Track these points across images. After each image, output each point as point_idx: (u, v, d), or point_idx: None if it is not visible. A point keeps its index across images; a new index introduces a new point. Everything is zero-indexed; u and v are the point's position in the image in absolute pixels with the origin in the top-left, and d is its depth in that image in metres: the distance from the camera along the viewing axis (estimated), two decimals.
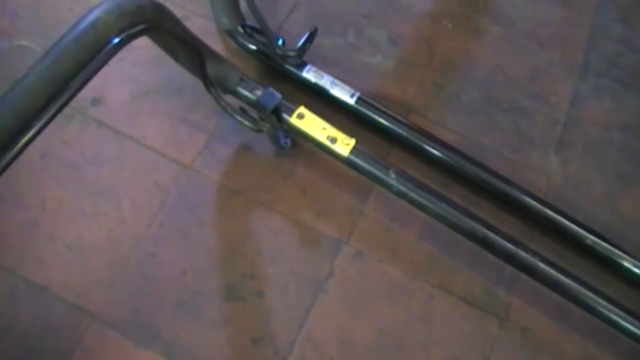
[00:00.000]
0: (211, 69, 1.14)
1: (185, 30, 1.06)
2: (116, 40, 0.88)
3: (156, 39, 1.06)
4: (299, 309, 1.13)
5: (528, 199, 1.19)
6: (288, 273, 1.15)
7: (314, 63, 1.28)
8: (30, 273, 1.13)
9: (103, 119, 1.26)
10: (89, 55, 0.87)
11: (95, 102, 1.27)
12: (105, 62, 0.88)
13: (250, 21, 1.29)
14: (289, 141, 1.22)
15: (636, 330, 1.05)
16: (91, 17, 0.88)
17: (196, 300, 1.13)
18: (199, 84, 1.15)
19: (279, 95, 1.14)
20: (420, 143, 1.23)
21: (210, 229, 1.20)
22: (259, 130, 1.18)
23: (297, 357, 1.09)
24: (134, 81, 1.31)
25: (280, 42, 1.26)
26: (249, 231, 1.20)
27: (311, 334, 1.11)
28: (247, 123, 1.19)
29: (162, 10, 0.99)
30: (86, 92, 1.24)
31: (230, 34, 1.31)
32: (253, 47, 1.30)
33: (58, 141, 1.23)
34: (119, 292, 1.13)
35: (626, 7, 1.47)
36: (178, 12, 1.03)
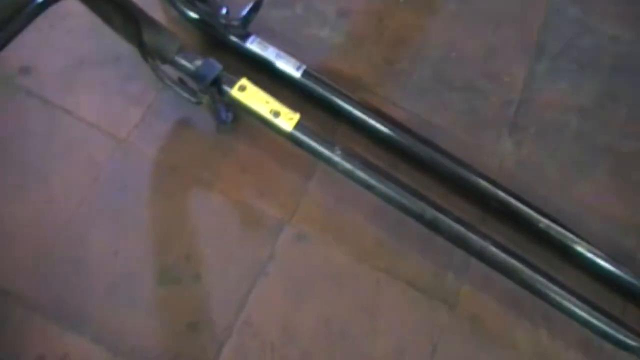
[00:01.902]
0: (148, 37, 1.07)
1: None
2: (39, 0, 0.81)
3: (89, 4, 0.99)
4: (238, 293, 1.07)
5: (480, 181, 1.15)
6: (227, 255, 1.10)
7: (259, 35, 1.21)
8: None
9: (32, 89, 1.19)
10: (5, 17, 0.80)
11: (25, 70, 1.19)
12: (26, 24, 0.81)
13: None
14: (230, 115, 1.16)
15: (589, 318, 1.02)
16: None
17: (128, 283, 1.07)
18: (136, 54, 1.09)
19: (219, 66, 1.08)
20: (369, 120, 1.18)
21: (145, 207, 1.13)
22: (198, 103, 1.12)
23: (236, 343, 1.04)
24: (67, 50, 1.23)
25: (224, 11, 1.19)
26: (187, 210, 1.14)
27: (251, 318, 1.06)
28: (185, 95, 1.12)
29: None
30: (14, 61, 1.19)
31: (171, 0, 1.23)
32: (195, 15, 1.23)
33: None
34: (45, 275, 1.06)
35: None
36: None
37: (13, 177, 1.12)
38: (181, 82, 1.13)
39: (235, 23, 1.18)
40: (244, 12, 1.17)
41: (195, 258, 1.09)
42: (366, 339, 1.06)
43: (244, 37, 1.20)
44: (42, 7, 0.82)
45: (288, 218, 1.13)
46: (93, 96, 1.19)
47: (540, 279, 1.03)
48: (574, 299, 1.03)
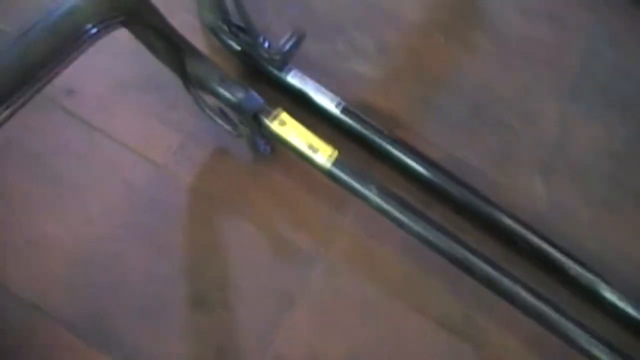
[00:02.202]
0: (192, 67, 1.09)
1: (166, 24, 1.01)
2: (93, 30, 0.84)
3: (135, 32, 1.02)
4: (267, 323, 1.08)
5: (511, 222, 1.15)
6: (258, 285, 1.10)
7: (299, 68, 1.22)
8: None
9: (76, 111, 1.21)
10: (62, 44, 0.83)
11: (70, 93, 1.22)
12: (79, 52, 0.84)
13: (236, 19, 1.24)
14: (268, 148, 1.17)
15: None
16: (68, 3, 0.84)
17: (160, 307, 1.07)
18: (179, 82, 1.11)
19: (261, 100, 1.10)
20: (405, 159, 1.19)
21: (180, 233, 1.14)
22: (238, 135, 1.13)
23: None
24: (112, 74, 1.25)
25: (265, 44, 1.21)
26: (220, 238, 1.15)
27: (278, 349, 1.06)
28: (226, 126, 1.14)
29: (143, 2, 0.94)
30: (61, 82, 1.19)
31: (214, 31, 1.26)
32: (237, 46, 1.25)
33: (26, 130, 1.17)
34: (79, 293, 1.07)
35: (619, 32, 1.44)
36: (163, 6, 0.99)
37: (52, 196, 1.13)
38: (222, 113, 1.15)
39: (277, 57, 1.20)
40: (287, 46, 1.19)
41: (226, 286, 1.10)
42: None
43: (285, 70, 1.22)
44: (96, 37, 0.85)
45: (320, 251, 1.14)
46: (133, 121, 1.21)
47: (569, 324, 1.03)
48: (601, 346, 1.02)
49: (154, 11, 0.97)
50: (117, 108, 1.22)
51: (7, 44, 0.79)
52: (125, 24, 0.90)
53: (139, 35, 1.03)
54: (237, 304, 1.09)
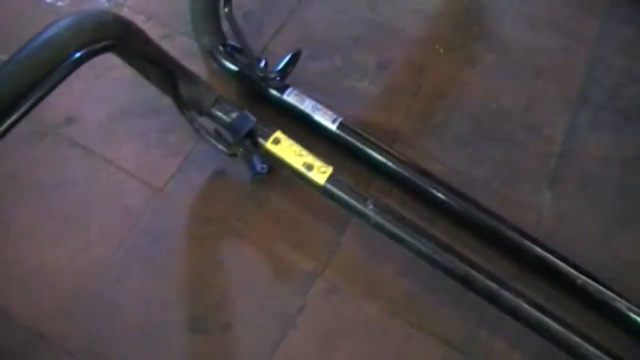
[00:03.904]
0: (185, 90, 1.09)
1: (156, 48, 1.02)
2: (76, 55, 0.84)
3: (123, 56, 1.02)
4: (267, 345, 1.07)
5: (517, 236, 1.13)
6: (258, 306, 1.10)
7: (298, 86, 1.22)
8: None
9: (76, 139, 1.22)
10: (44, 72, 0.83)
11: (69, 120, 1.23)
12: (63, 77, 0.85)
13: (233, 41, 1.24)
14: (265, 167, 1.17)
15: None
16: (49, 32, 0.86)
17: (160, 331, 1.07)
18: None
19: (253, 118, 1.10)
20: (405, 174, 1.17)
21: (179, 256, 1.15)
22: (233, 155, 1.13)
23: None
24: (111, 101, 1.26)
25: (262, 63, 1.21)
26: (219, 261, 1.15)
27: None
28: (220, 147, 1.14)
29: (128, 27, 0.95)
30: (60, 111, 1.23)
31: (211, 53, 1.26)
32: (234, 67, 1.25)
33: (28, 161, 1.19)
34: (80, 320, 1.08)
35: (627, 37, 1.40)
36: (160, 30, 1.01)
37: (53, 224, 1.15)
38: (217, 134, 1.14)
39: (273, 75, 1.20)
40: (282, 64, 1.19)
41: (226, 308, 1.10)
42: None
43: (282, 89, 1.21)
44: (79, 62, 0.85)
45: (320, 271, 1.12)
46: (133, 146, 1.22)
47: (576, 339, 1.00)
48: None
49: (141, 36, 0.97)
50: (117, 134, 1.24)
51: None
52: (109, 49, 0.90)
53: (127, 60, 1.03)
54: (237, 326, 1.08)
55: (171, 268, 1.13)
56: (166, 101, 1.14)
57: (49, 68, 0.83)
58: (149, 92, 1.17)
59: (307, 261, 1.13)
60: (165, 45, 1.04)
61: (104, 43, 0.88)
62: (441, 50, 1.36)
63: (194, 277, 1.13)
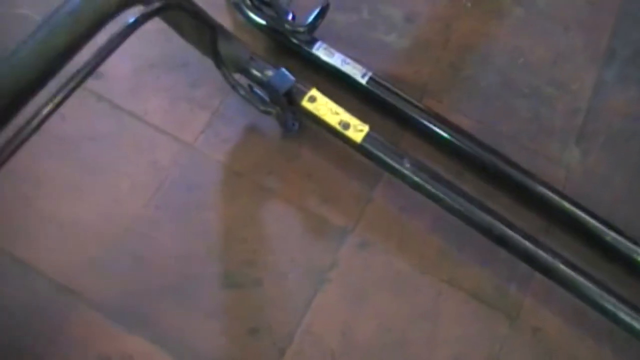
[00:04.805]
0: (222, 47, 1.07)
1: (197, 6, 1.00)
2: (131, 20, 0.83)
3: (169, 20, 1.00)
4: (300, 300, 1.08)
5: (545, 191, 1.13)
6: (289, 261, 1.10)
7: (325, 40, 1.21)
8: (20, 251, 1.09)
9: (103, 93, 1.22)
10: (87, 32, 0.82)
11: (96, 75, 1.20)
12: (119, 44, 0.84)
13: None
14: (297, 124, 1.16)
15: None
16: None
17: (191, 286, 1.08)
18: (203, 59, 1.10)
19: (292, 78, 1.08)
20: (434, 127, 1.17)
21: (210, 211, 1.15)
22: (268, 112, 1.13)
23: (296, 350, 1.05)
24: (137, 56, 1.25)
25: (290, 16, 1.20)
26: (250, 216, 1.15)
27: (311, 326, 1.06)
28: (256, 104, 1.13)
29: None
30: None
31: (238, 6, 1.25)
32: (261, 21, 1.23)
33: (55, 115, 1.16)
34: (109, 274, 1.09)
35: None
36: None
37: (83, 179, 1.15)
38: (251, 91, 1.14)
39: (301, 29, 1.18)
40: (310, 18, 1.18)
41: (257, 263, 1.10)
42: (425, 348, 1.06)
43: (310, 43, 1.20)
44: (134, 28, 0.84)
45: (351, 226, 1.13)
46: (161, 101, 1.22)
47: (608, 297, 1.00)
48: None
49: None
50: (144, 89, 1.23)
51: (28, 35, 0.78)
52: (164, 10, 0.88)
53: (170, 21, 1.02)
54: (269, 281, 1.09)
55: (201, 223, 1.13)
56: (193, 55, 1.12)
57: (95, 31, 0.82)
58: (175, 46, 1.15)
59: (338, 216, 1.14)
60: None
61: (158, 4, 0.86)
62: (468, 4, 1.35)
63: (225, 232, 1.13)
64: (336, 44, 1.21)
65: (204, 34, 1.02)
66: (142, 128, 1.19)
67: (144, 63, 1.24)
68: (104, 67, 1.19)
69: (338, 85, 1.18)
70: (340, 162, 1.17)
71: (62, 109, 1.15)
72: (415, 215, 1.14)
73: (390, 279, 1.10)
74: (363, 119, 1.09)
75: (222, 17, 1.25)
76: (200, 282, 1.09)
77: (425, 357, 1.06)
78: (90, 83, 1.17)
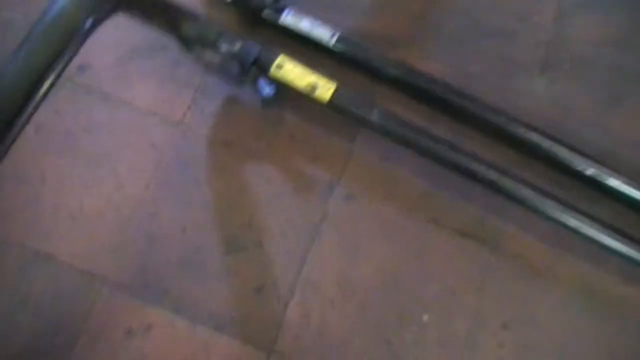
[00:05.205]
0: (189, 30, 1.13)
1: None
2: (88, 23, 0.91)
3: (130, 15, 1.06)
4: (298, 254, 1.16)
5: (514, 124, 1.18)
6: (284, 220, 1.18)
7: (295, 3, 1.26)
8: (37, 245, 1.17)
9: (91, 85, 1.28)
10: (60, 45, 0.89)
11: (82, 69, 1.28)
12: (78, 47, 0.93)
13: None
14: (272, 89, 1.20)
15: (627, 251, 1.08)
16: (56, 9, 0.91)
17: (199, 255, 1.17)
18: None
19: (257, 47, 1.14)
20: (405, 77, 1.22)
21: (206, 183, 1.22)
22: (240, 83, 1.19)
23: (299, 301, 1.14)
24: (118, 44, 1.31)
25: None
26: (244, 182, 1.22)
27: (311, 277, 1.15)
28: (228, 77, 1.19)
29: None
30: (73, 61, 1.27)
31: None
32: None
33: (50, 112, 1.24)
34: (124, 255, 1.17)
35: None
36: None
37: (85, 170, 1.22)
38: (222, 66, 1.19)
39: (268, 1, 1.24)
40: None
41: (256, 226, 1.18)
42: (418, 285, 1.14)
43: (279, 11, 1.25)
44: (91, 30, 0.91)
45: (336, 180, 1.20)
46: (147, 85, 1.28)
47: (577, 215, 1.09)
48: (613, 234, 1.08)
49: None
50: (130, 75, 1.29)
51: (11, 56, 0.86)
52: (117, 8, 0.95)
53: (134, 16, 1.08)
54: (268, 241, 1.17)
55: (201, 195, 1.21)
56: (169, 37, 1.19)
57: (64, 42, 0.89)
58: (153, 32, 1.21)
59: (323, 172, 1.21)
60: None
61: (111, 4, 0.93)
62: None
63: (223, 201, 1.21)
64: (306, 6, 1.26)
65: (168, 22, 1.08)
66: (133, 113, 1.26)
67: (126, 51, 1.30)
68: (89, 60, 1.28)
69: (309, 48, 1.24)
70: (320, 122, 1.24)
71: (55, 105, 1.24)
72: (396, 162, 1.21)
73: (379, 224, 1.18)
74: (336, 77, 1.15)
75: None
76: (207, 250, 1.17)
77: (419, 292, 1.14)
78: (79, 77, 1.25)
